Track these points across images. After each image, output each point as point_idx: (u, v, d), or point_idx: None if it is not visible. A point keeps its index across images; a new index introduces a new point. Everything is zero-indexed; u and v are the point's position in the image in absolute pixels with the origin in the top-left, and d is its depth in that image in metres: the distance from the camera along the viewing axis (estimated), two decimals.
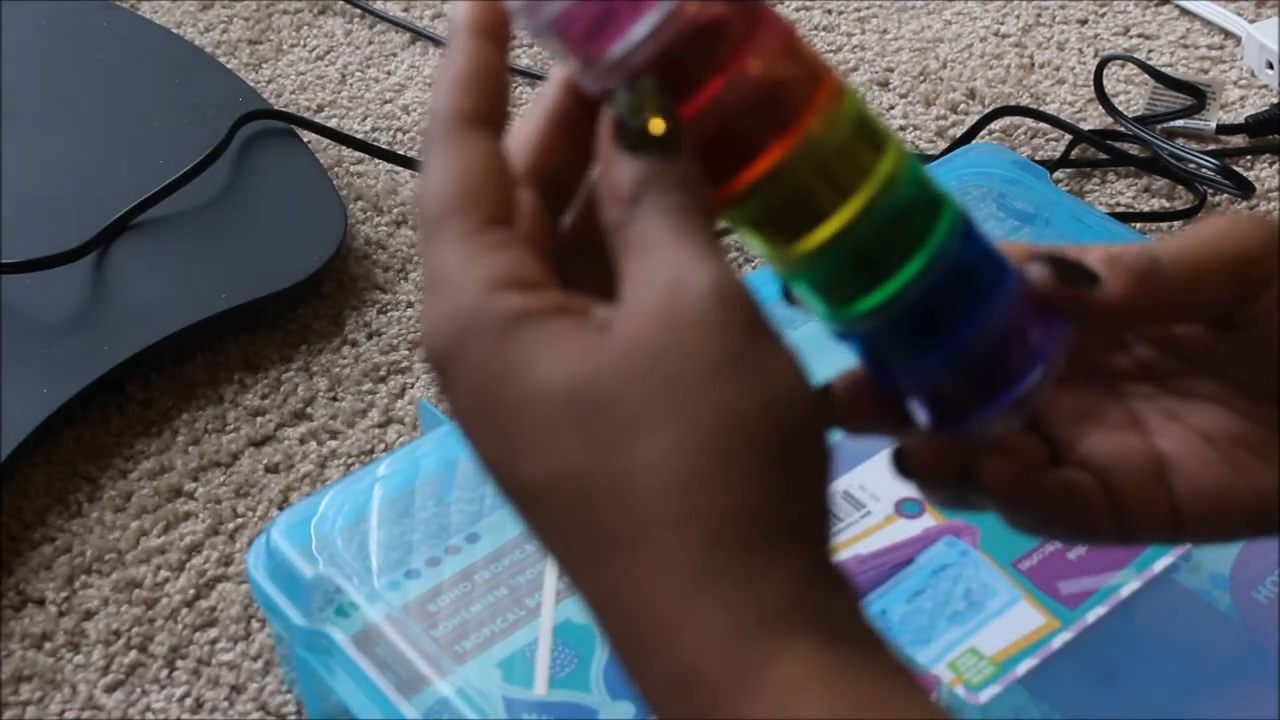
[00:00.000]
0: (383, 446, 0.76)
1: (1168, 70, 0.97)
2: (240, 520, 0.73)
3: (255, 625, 0.69)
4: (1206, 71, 1.00)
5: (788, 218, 0.37)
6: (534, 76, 1.00)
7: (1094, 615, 0.61)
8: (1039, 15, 1.06)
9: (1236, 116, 0.95)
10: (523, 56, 1.02)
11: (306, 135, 0.92)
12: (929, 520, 0.65)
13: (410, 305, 0.84)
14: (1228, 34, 1.02)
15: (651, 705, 0.33)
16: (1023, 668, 0.60)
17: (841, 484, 0.66)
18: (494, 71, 0.37)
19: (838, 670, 0.31)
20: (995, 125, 0.95)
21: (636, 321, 0.33)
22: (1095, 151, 0.93)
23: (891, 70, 1.01)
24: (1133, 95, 0.97)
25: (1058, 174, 0.91)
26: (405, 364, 0.80)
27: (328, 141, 0.93)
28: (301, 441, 0.76)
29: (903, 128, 0.96)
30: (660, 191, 0.35)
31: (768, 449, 0.32)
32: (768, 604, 0.31)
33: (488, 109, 0.37)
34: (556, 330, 0.34)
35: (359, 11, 1.06)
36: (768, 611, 0.31)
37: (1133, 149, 0.93)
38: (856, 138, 0.37)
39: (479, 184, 0.36)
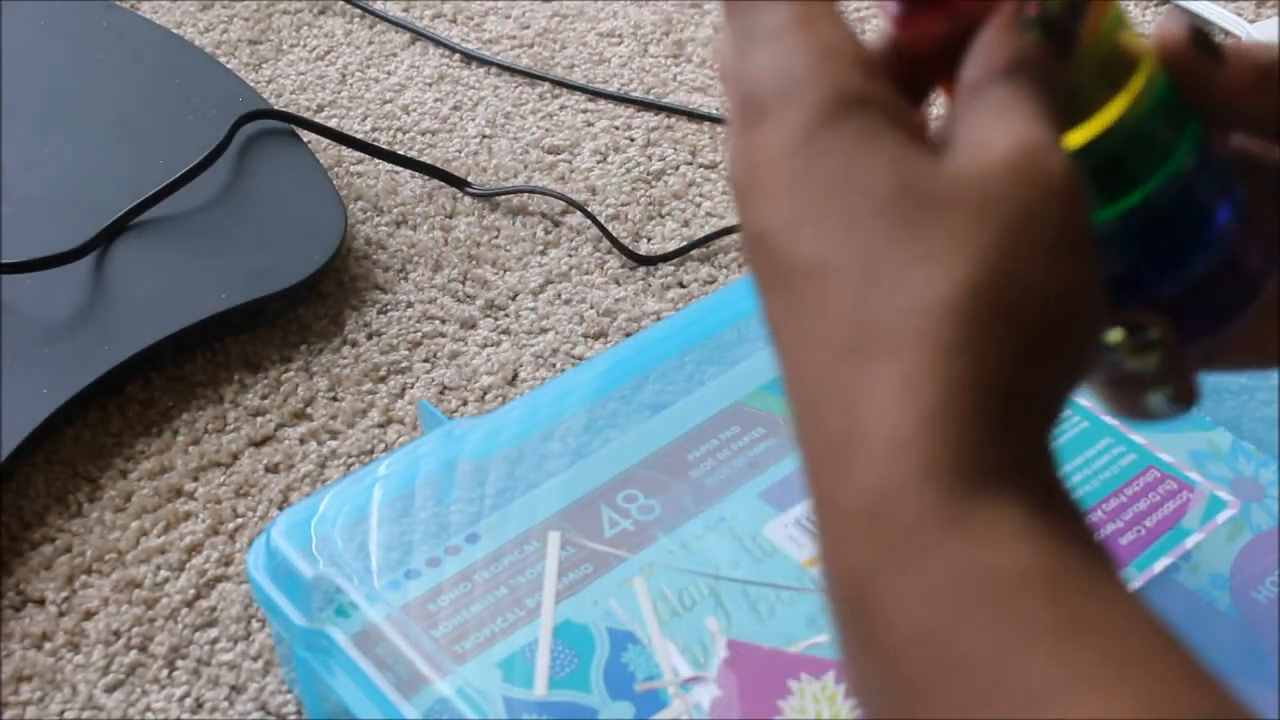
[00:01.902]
0: (383, 446, 0.76)
1: None
2: (240, 520, 0.73)
3: (255, 625, 0.69)
4: None
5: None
6: (535, 77, 1.00)
7: None
8: None
9: None
10: (523, 57, 1.02)
11: (306, 135, 0.92)
12: None
13: (410, 305, 0.84)
14: (1227, 34, 1.02)
15: (828, 524, 0.32)
16: None
17: None
18: None
19: (1048, 534, 0.31)
20: None
21: (983, 162, 0.32)
22: None
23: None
24: None
25: None
26: (405, 364, 0.81)
27: (328, 141, 0.93)
28: (301, 441, 0.76)
29: None
30: (1031, 79, 0.34)
31: (1054, 334, 0.32)
32: (996, 460, 0.31)
33: None
34: (896, 130, 0.33)
35: (359, 11, 1.06)
36: (994, 466, 0.31)
37: None
38: (1119, 35, 0.37)
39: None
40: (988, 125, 0.33)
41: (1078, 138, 0.37)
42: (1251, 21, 1.01)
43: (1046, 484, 0.32)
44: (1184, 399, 0.40)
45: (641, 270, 0.86)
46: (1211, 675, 0.31)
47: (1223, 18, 1.03)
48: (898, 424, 0.30)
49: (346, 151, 0.93)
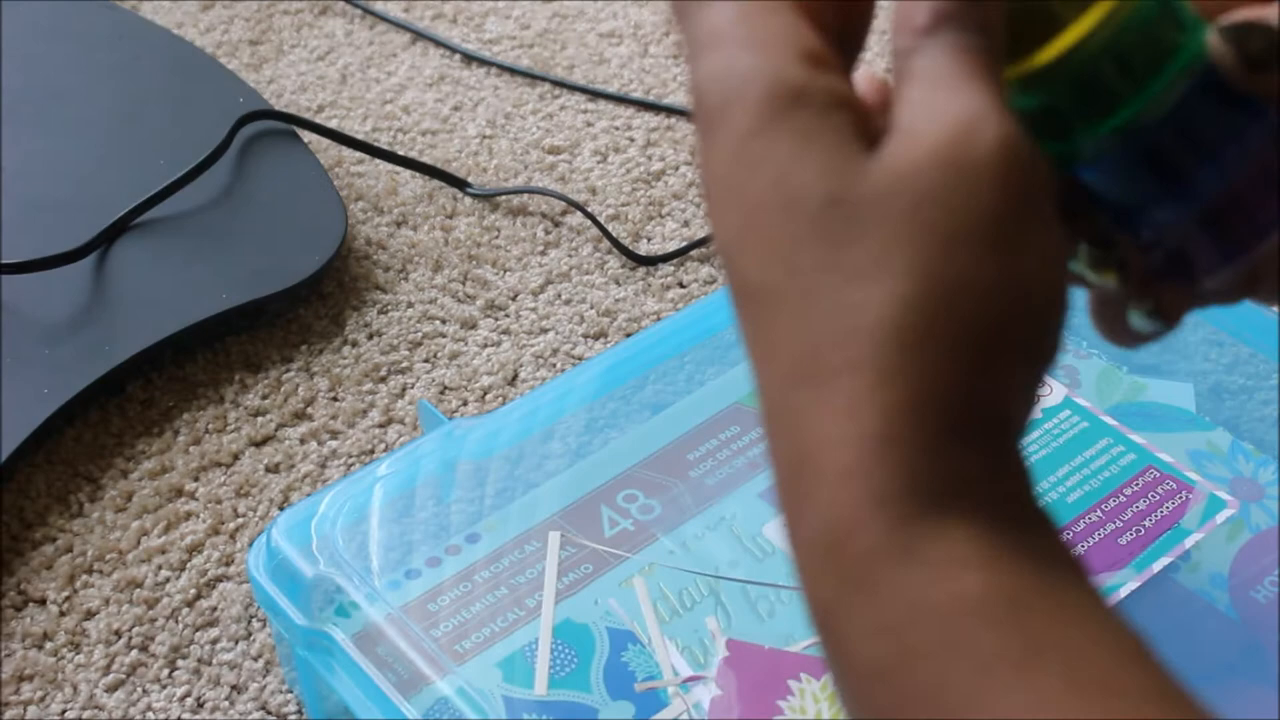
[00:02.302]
0: (383, 446, 0.76)
1: None
2: (241, 520, 0.73)
3: (256, 625, 0.69)
4: None
5: (1028, 27, 0.34)
6: (535, 77, 1.00)
7: None
8: None
9: None
10: (523, 58, 1.02)
11: (307, 136, 0.92)
12: None
13: (410, 305, 0.84)
14: None
15: (794, 553, 0.31)
16: None
17: None
18: None
19: (1005, 554, 0.30)
20: None
21: (913, 154, 0.30)
22: None
23: (892, 70, 1.01)
24: None
25: None
26: (405, 364, 0.81)
27: (328, 142, 0.93)
28: (302, 441, 0.76)
29: None
30: (960, 28, 0.32)
31: (1004, 337, 0.30)
32: (947, 481, 0.30)
33: None
34: (833, 126, 0.31)
35: (359, 12, 1.06)
36: (945, 488, 0.30)
37: None
38: None
39: None
40: (917, 106, 0.31)
41: (1048, 54, 0.34)
42: None
43: (1007, 496, 0.31)
44: (1164, 316, 0.38)
45: (641, 270, 0.86)
46: (1180, 690, 0.29)
47: None
48: (844, 453, 0.30)
49: (347, 152, 0.93)
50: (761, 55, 0.32)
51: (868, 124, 0.32)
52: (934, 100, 0.31)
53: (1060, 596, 0.30)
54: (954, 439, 0.30)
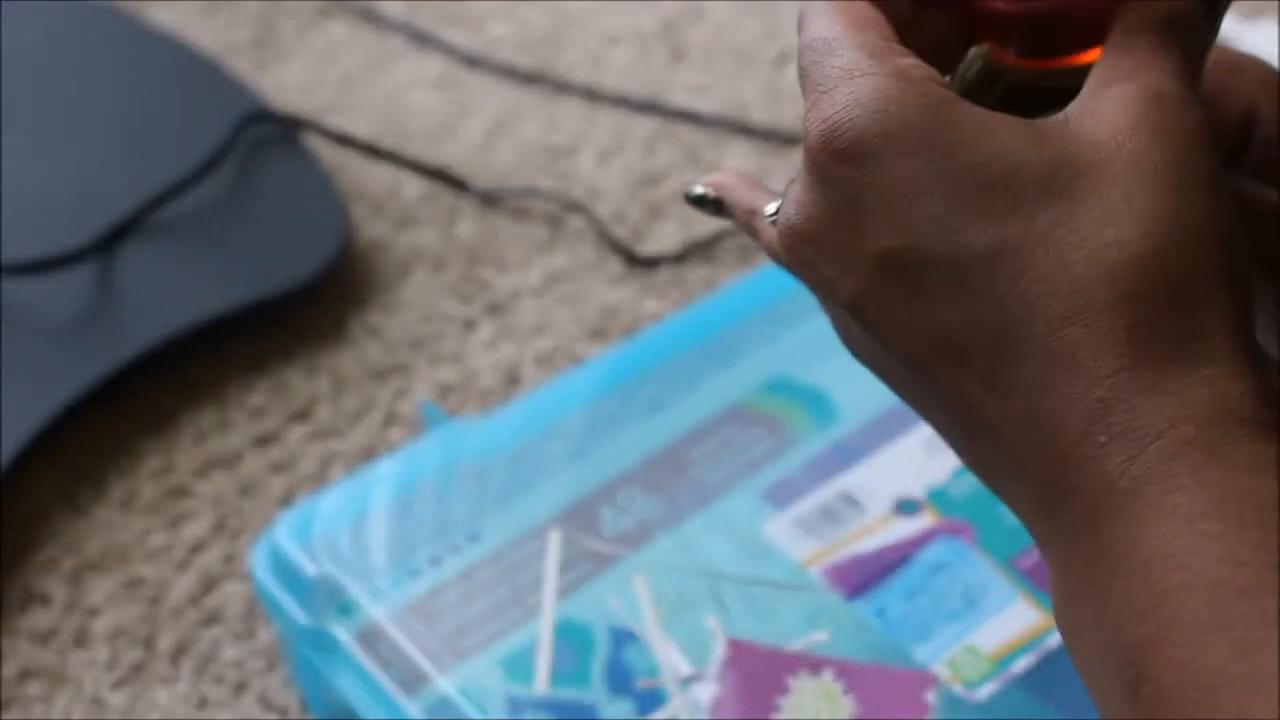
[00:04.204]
0: (384, 446, 0.77)
1: None
2: (243, 519, 0.73)
3: (258, 623, 0.69)
4: None
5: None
6: (536, 79, 1.00)
7: None
8: None
9: None
10: (525, 60, 1.03)
11: (309, 138, 0.92)
12: (927, 519, 0.65)
13: (412, 306, 0.84)
14: (1225, 34, 1.03)
15: (1080, 492, 0.33)
16: (1020, 665, 0.60)
17: (839, 484, 0.66)
18: None
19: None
20: None
21: (1117, 120, 0.34)
22: None
23: None
24: None
25: None
26: (407, 364, 0.81)
27: (330, 144, 0.93)
28: (304, 441, 0.77)
29: None
30: (1182, 34, 0.35)
31: (1235, 269, 0.33)
32: (1245, 395, 0.32)
33: None
34: (1001, 119, 0.34)
35: (361, 15, 1.07)
36: (1244, 402, 0.32)
37: None
38: None
39: (866, 15, 0.36)
40: (1108, 65, 0.35)
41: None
42: (1248, 20, 1.02)
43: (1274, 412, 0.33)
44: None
45: (641, 270, 0.86)
46: None
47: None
48: (1145, 376, 0.32)
49: (349, 153, 0.93)
50: (905, 79, 0.34)
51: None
52: (1122, 64, 0.35)
53: None
54: (1249, 357, 0.32)
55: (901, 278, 0.34)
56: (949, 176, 0.33)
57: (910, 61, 0.35)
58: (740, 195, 0.42)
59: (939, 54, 0.38)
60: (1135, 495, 0.31)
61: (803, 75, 0.36)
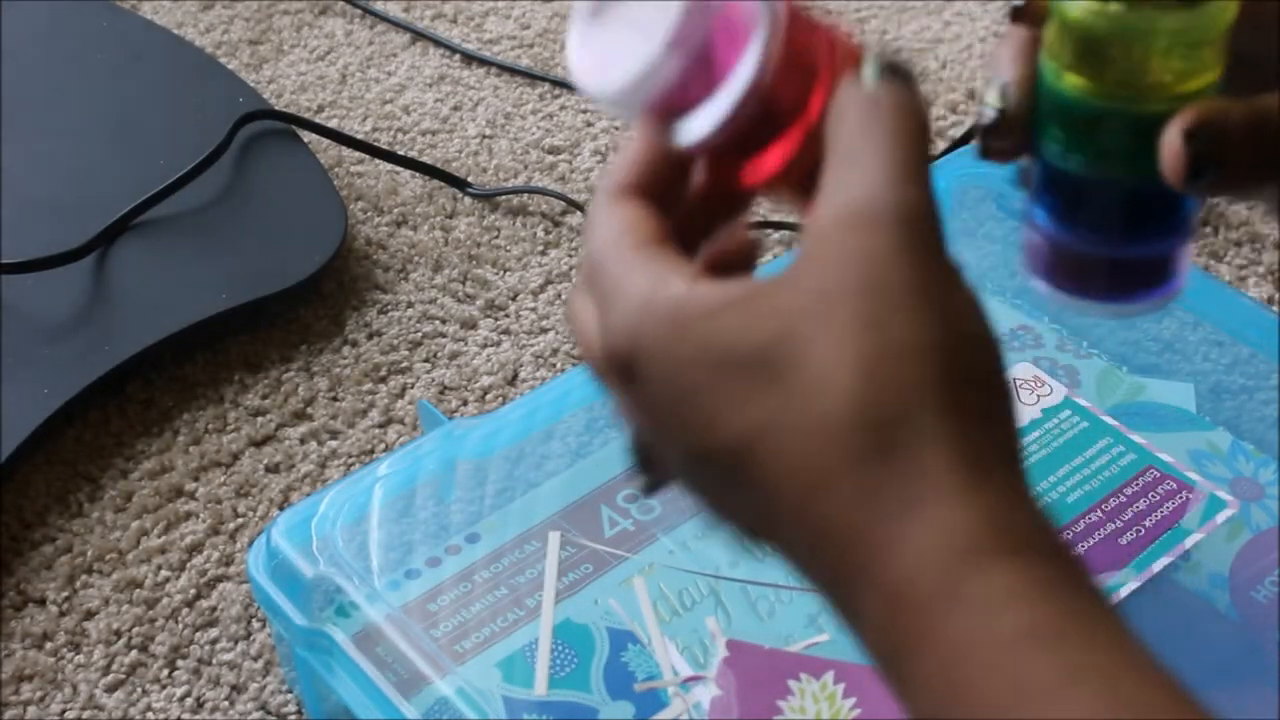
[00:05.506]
0: (383, 446, 0.76)
1: None
2: (241, 520, 0.73)
3: (256, 625, 0.69)
4: None
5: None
6: (535, 77, 1.00)
7: None
8: None
9: None
10: (524, 58, 1.02)
11: (307, 136, 0.92)
12: None
13: (410, 305, 0.84)
14: None
15: (864, 639, 0.34)
16: None
17: None
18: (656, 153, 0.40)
19: (1041, 587, 0.32)
20: None
21: (812, 255, 0.34)
22: None
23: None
24: None
25: None
26: (405, 364, 0.81)
27: (328, 142, 0.93)
28: (302, 441, 0.76)
29: None
30: (889, 117, 0.36)
31: (958, 381, 0.33)
32: (972, 525, 0.32)
33: (643, 182, 0.40)
34: (730, 299, 0.35)
35: (359, 12, 1.06)
36: (973, 531, 0.32)
37: None
38: None
39: (630, 216, 0.38)
40: (826, 203, 0.35)
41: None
42: None
43: (1032, 529, 0.33)
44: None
45: None
46: (1204, 714, 0.31)
47: None
48: (880, 533, 0.33)
49: (347, 152, 0.93)
50: (649, 289, 0.36)
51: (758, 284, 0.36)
52: (827, 185, 0.36)
53: (1092, 623, 0.32)
54: (961, 483, 0.32)
55: (689, 470, 0.36)
56: (692, 384, 0.35)
57: (660, 267, 0.36)
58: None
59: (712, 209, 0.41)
60: (889, 665, 0.33)
61: (587, 285, 0.38)
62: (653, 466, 0.39)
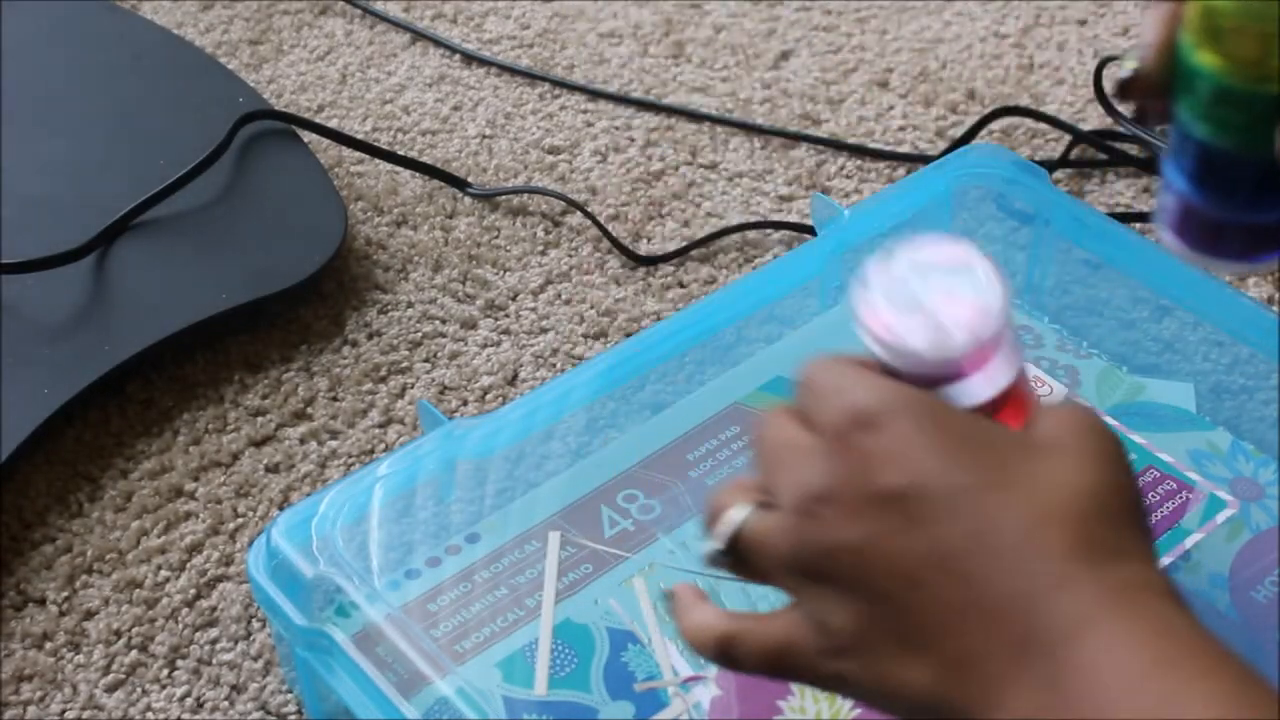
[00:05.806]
0: (383, 446, 0.76)
1: None
2: (241, 520, 0.73)
3: (256, 625, 0.69)
4: None
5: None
6: (535, 77, 1.00)
7: None
8: (1038, 16, 1.06)
9: None
10: (523, 58, 1.02)
11: (307, 136, 0.92)
12: None
13: (410, 305, 0.84)
14: None
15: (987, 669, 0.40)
16: None
17: None
18: None
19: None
20: (995, 126, 0.95)
21: (1063, 420, 0.44)
22: (1095, 152, 0.93)
23: (891, 71, 1.01)
24: None
25: (1057, 174, 0.91)
26: (405, 364, 0.81)
27: (328, 142, 0.93)
28: (302, 441, 0.76)
29: (902, 128, 0.96)
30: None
31: (1136, 509, 0.43)
32: (1129, 581, 0.41)
33: None
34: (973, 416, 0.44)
35: (359, 12, 1.06)
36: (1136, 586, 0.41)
37: (1132, 149, 0.93)
38: None
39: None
40: (1062, 409, 0.45)
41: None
42: None
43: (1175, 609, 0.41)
44: None
45: (641, 270, 0.86)
46: None
47: None
48: (1078, 593, 0.41)
49: (347, 152, 0.93)
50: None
51: None
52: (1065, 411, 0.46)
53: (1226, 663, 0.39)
54: (1152, 558, 0.42)
55: (904, 510, 0.42)
56: (943, 433, 0.42)
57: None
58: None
59: None
60: (1088, 631, 0.40)
61: (808, 393, 0.44)
62: (747, 561, 0.44)
